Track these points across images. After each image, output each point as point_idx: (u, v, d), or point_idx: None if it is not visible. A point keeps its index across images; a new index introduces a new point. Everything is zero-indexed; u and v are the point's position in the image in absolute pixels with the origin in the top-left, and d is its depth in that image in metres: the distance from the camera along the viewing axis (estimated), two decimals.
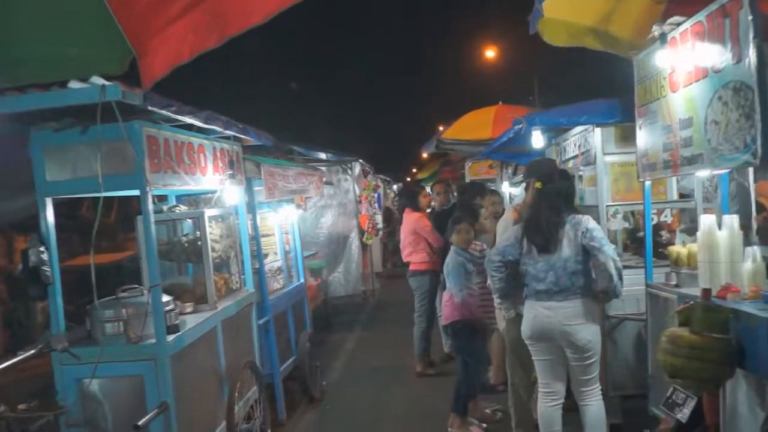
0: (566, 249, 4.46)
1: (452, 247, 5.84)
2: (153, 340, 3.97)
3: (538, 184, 4.60)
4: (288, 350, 7.11)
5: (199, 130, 4.84)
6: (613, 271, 4.33)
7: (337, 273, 12.56)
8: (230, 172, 5.09)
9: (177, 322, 4.21)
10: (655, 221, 5.69)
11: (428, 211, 8.53)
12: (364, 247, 13.12)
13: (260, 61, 25.06)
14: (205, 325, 4.62)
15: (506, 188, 10.51)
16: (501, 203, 7.53)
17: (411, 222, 7.84)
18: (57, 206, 4.09)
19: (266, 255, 7.05)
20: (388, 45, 51.96)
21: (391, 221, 19.78)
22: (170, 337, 4.04)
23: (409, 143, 50.77)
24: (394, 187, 31.20)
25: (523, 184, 8.06)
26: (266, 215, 7.16)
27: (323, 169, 12.49)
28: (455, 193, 8.89)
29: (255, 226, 6.48)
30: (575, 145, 6.04)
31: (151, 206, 3.91)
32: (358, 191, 12.86)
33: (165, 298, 4.25)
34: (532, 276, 4.59)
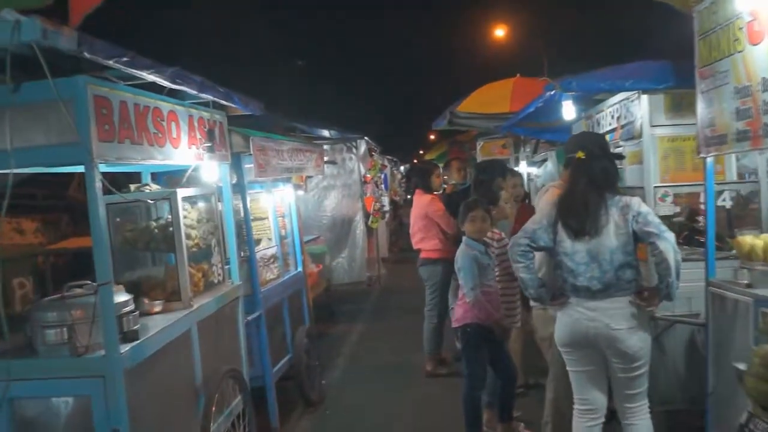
0: (612, 237, 3.67)
1: (464, 239, 5.02)
2: (102, 352, 3.18)
3: (580, 154, 3.80)
4: (283, 348, 6.34)
5: (172, 93, 4.04)
6: (672, 264, 3.54)
7: (340, 258, 11.85)
8: (209, 145, 4.27)
9: (136, 326, 3.42)
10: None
11: (439, 192, 7.69)
12: (370, 231, 12.35)
13: (262, 34, 24.20)
14: (176, 328, 3.83)
15: (523, 168, 9.67)
16: (522, 185, 6.72)
17: (422, 205, 7.02)
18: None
19: (258, 241, 6.27)
20: (395, 24, 50.85)
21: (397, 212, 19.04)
22: (126, 347, 3.25)
23: (415, 124, 50.11)
24: (401, 168, 30.33)
25: (547, 165, 7.25)
26: (258, 196, 6.36)
27: (326, 147, 11.78)
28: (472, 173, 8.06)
29: (245, 209, 5.69)
30: (612, 116, 5.21)
31: (98, 185, 3.11)
32: (363, 171, 12.09)
33: (122, 296, 3.46)
34: (569, 270, 3.79)
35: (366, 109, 26.38)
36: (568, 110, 5.30)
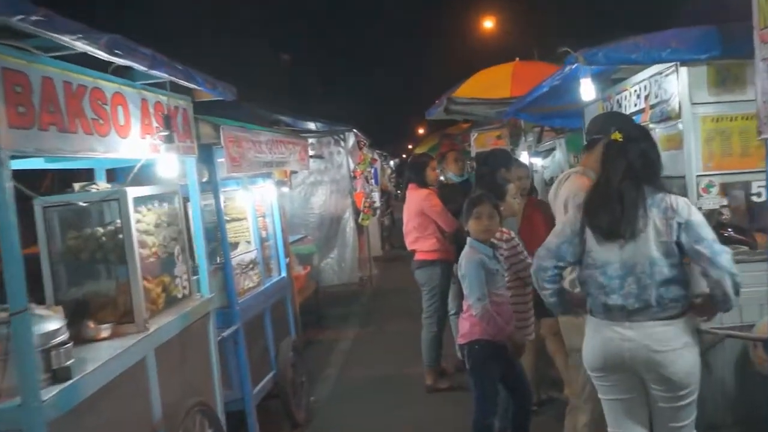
0: (652, 245, 2.99)
1: (468, 240, 4.32)
2: (18, 399, 2.46)
3: (617, 136, 3.10)
4: (265, 365, 5.63)
5: (122, 73, 3.32)
6: (730, 291, 2.90)
7: (329, 259, 11.16)
8: (166, 134, 3.55)
9: (70, 362, 2.70)
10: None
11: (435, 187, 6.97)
12: (360, 229, 11.64)
13: (241, 23, 23.40)
14: (126, 357, 3.12)
15: (525, 160, 8.95)
16: (528, 178, 6.02)
17: (417, 200, 6.31)
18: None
19: (235, 245, 5.57)
20: (379, 17, 49.97)
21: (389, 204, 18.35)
22: (52, 391, 2.53)
23: (402, 119, 49.43)
24: (391, 162, 29.61)
25: (555, 154, 6.60)
26: (234, 194, 5.64)
27: (313, 141, 11.05)
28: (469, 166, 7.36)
29: (218, 209, 4.99)
30: (639, 96, 4.53)
31: (8, 185, 2.38)
32: (352, 166, 11.38)
33: (53, 324, 2.74)
34: (599, 285, 3.11)
35: (350, 103, 25.58)
36: (587, 89, 4.60)
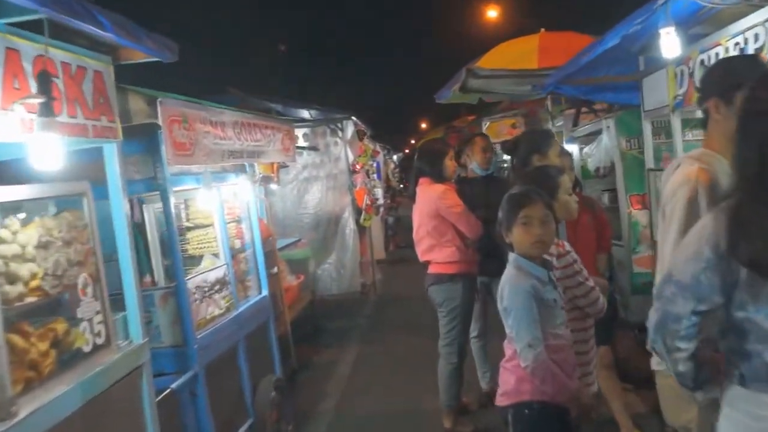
0: None
1: (512, 258, 3.01)
2: None
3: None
4: (239, 412, 4.38)
5: None
6: None
7: (327, 265, 9.92)
8: (41, 101, 2.24)
9: None
10: None
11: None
12: (362, 230, 10.35)
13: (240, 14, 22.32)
14: None
15: None
16: (573, 169, 4.72)
17: (431, 199, 4.98)
18: None
19: (196, 260, 4.31)
20: (380, 11, 48.58)
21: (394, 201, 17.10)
22: None
23: (403, 113, 47.95)
24: (394, 157, 28.24)
25: (602, 139, 5.44)
26: (195, 194, 4.36)
27: (307, 131, 9.79)
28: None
29: (167, 215, 3.73)
30: (745, 50, 3.22)
31: None
32: (351, 159, 10.07)
33: None
34: (764, 336, 1.81)
35: (349, 96, 24.46)
36: (670, 42, 3.29)
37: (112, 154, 2.92)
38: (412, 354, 7.00)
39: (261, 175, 6.31)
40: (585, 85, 4.94)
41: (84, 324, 2.59)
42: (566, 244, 3.38)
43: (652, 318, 1.97)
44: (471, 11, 27.06)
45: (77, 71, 2.63)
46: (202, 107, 3.71)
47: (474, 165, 5.41)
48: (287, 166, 8.31)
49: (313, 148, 9.68)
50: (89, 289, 2.64)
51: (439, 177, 5.05)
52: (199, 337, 3.83)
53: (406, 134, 47.57)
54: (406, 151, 40.98)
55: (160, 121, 3.15)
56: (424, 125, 50.40)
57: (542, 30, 7.58)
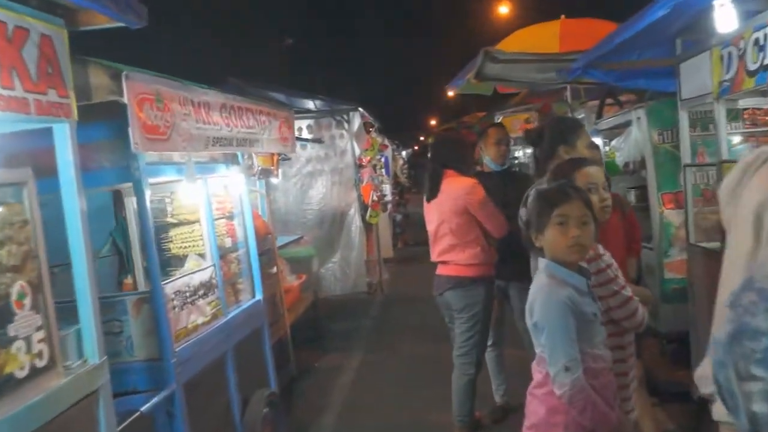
0: None
1: (544, 264, 2.52)
2: None
3: None
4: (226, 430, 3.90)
5: None
6: None
7: (331, 264, 9.45)
8: None
9: None
10: None
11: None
12: (368, 227, 9.86)
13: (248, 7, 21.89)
14: None
15: None
16: (602, 164, 4.20)
17: (459, 194, 4.42)
18: None
19: (178, 260, 3.83)
20: (386, 6, 47.98)
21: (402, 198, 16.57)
22: None
23: (412, 109, 47.34)
24: (404, 153, 27.69)
25: (630, 132, 5.04)
26: (177, 188, 3.88)
27: (310, 122, 9.31)
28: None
29: (141, 209, 3.25)
30: None
31: None
32: (358, 152, 9.59)
33: None
34: None
35: (356, 91, 24.01)
36: (725, 15, 2.80)
37: (64, 135, 2.43)
38: (421, 360, 6.58)
39: (260, 168, 5.84)
40: (616, 70, 4.42)
41: (18, 343, 2.11)
42: (599, 246, 2.89)
43: (722, 333, 1.45)
44: (482, 7, 26.74)
45: (15, 33, 2.15)
46: (182, 86, 3.22)
47: (487, 159, 4.91)
48: (289, 159, 7.85)
49: (317, 141, 9.20)
50: (27, 300, 2.16)
51: (467, 168, 4.56)
52: (177, 349, 3.35)
53: (415, 131, 47.04)
54: (416, 147, 40.43)
55: (125, 99, 2.67)
56: (433, 122, 49.89)
57: (563, 16, 7.07)
